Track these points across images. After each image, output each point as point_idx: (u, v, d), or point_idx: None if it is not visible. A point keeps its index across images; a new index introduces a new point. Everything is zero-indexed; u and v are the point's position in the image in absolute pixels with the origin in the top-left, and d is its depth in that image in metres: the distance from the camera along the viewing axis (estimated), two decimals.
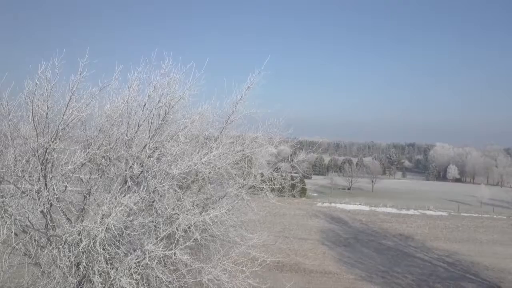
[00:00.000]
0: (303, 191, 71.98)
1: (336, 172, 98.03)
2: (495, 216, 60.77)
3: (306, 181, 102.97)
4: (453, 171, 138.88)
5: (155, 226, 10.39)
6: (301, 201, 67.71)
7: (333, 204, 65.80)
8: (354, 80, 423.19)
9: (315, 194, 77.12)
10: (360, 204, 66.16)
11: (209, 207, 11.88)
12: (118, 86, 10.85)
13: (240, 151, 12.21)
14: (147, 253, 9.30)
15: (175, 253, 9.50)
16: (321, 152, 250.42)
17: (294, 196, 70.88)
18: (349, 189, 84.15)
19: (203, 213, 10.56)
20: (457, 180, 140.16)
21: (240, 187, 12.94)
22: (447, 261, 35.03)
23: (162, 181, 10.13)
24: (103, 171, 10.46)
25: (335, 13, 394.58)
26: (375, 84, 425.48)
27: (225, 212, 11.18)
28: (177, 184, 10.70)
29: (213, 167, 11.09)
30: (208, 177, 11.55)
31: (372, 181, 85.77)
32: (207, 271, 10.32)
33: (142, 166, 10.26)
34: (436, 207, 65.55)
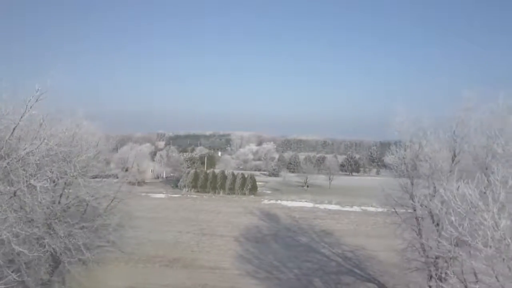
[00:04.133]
0: (253, 189, 73.21)
1: (292, 170, 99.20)
2: None
3: (273, 178, 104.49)
4: None
5: None
6: (249, 199, 68.88)
7: (278, 201, 66.98)
8: (342, 77, 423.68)
9: (268, 192, 78.22)
10: (305, 201, 67.39)
11: None
12: None
13: None
14: None
15: None
16: (310, 150, 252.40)
17: (244, 194, 72.43)
18: (303, 186, 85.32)
19: None
20: None
21: None
22: (346, 256, 36.30)
23: None
24: None
25: (335, 13, 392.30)
26: (363, 81, 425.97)
27: None
28: None
29: None
30: None
31: (329, 178, 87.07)
32: None
33: None
34: (381, 204, 66.69)
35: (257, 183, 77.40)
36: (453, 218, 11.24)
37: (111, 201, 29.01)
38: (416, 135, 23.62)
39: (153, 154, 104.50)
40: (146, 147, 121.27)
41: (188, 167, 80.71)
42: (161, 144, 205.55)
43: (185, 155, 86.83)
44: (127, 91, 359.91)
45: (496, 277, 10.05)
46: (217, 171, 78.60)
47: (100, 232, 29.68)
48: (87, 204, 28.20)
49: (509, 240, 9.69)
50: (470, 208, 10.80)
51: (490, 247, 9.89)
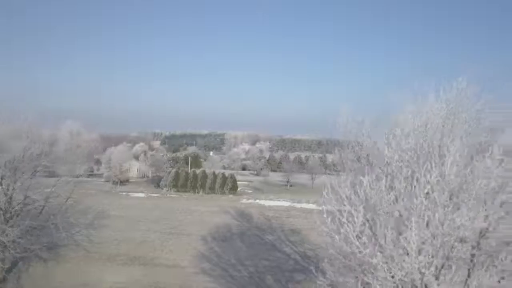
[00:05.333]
0: (233, 188, 73.83)
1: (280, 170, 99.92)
2: None
3: (258, 178, 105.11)
4: None
5: None
6: (227, 198, 69.51)
7: (256, 201, 67.58)
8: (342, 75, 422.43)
9: (249, 191, 78.83)
10: (283, 200, 68.05)
11: None
12: None
13: None
14: None
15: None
16: (304, 150, 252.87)
17: (224, 193, 73.08)
18: (286, 185, 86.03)
19: None
20: None
21: None
22: (306, 254, 36.84)
23: None
24: None
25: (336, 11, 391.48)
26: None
27: None
28: None
29: None
30: None
31: (312, 178, 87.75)
32: None
33: None
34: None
35: (240, 182, 78.03)
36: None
37: (66, 200, 29.41)
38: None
39: (144, 154, 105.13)
40: (140, 147, 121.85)
41: (171, 167, 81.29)
42: (156, 143, 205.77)
43: (168, 155, 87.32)
44: (126, 90, 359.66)
45: None
46: (198, 170, 79.19)
47: (61, 231, 30.17)
48: (45, 204, 28.74)
49: None
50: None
51: None
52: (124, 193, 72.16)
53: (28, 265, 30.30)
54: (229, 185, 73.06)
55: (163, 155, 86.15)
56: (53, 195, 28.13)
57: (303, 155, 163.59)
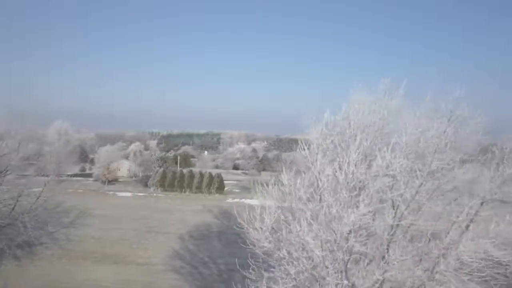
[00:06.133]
0: (220, 187, 74.33)
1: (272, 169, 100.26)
2: None
3: (247, 177, 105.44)
4: None
5: None
6: (213, 197, 70.03)
7: (242, 200, 67.90)
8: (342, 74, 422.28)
9: (237, 190, 79.30)
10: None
11: None
12: None
13: None
14: None
15: None
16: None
17: (211, 192, 73.60)
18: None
19: None
20: None
21: None
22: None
23: None
24: None
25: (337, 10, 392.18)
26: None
27: None
28: None
29: None
30: None
31: None
32: None
33: None
34: None
35: (229, 182, 78.45)
36: None
37: (37, 199, 29.84)
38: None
39: (134, 154, 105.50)
40: (136, 146, 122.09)
41: (160, 167, 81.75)
42: (153, 143, 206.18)
43: (157, 155, 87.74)
44: (126, 90, 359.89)
45: None
46: (186, 170, 79.68)
47: (29, 230, 30.57)
48: (17, 201, 29.22)
49: None
50: None
51: None
52: (111, 193, 72.68)
53: (0, 263, 30.75)
54: (215, 185, 73.55)
55: (152, 155, 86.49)
56: (24, 194, 28.58)
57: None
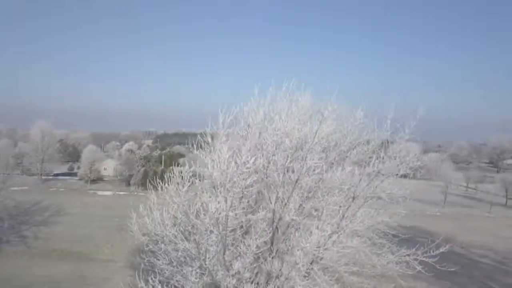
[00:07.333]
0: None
1: None
2: None
3: None
4: None
5: None
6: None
7: None
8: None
9: None
10: None
11: None
12: None
13: None
14: None
15: None
16: None
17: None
18: None
19: None
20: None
21: None
22: None
23: None
24: None
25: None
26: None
27: None
28: None
29: None
30: None
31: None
32: None
33: None
34: None
35: None
36: None
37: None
38: None
39: (118, 153, 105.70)
40: (130, 145, 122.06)
41: (142, 166, 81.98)
42: (148, 142, 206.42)
43: (139, 154, 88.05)
44: (126, 90, 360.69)
45: None
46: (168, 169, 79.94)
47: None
48: None
49: None
50: None
51: None
52: (92, 191, 73.03)
53: None
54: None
55: (136, 155, 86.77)
56: None
57: None
